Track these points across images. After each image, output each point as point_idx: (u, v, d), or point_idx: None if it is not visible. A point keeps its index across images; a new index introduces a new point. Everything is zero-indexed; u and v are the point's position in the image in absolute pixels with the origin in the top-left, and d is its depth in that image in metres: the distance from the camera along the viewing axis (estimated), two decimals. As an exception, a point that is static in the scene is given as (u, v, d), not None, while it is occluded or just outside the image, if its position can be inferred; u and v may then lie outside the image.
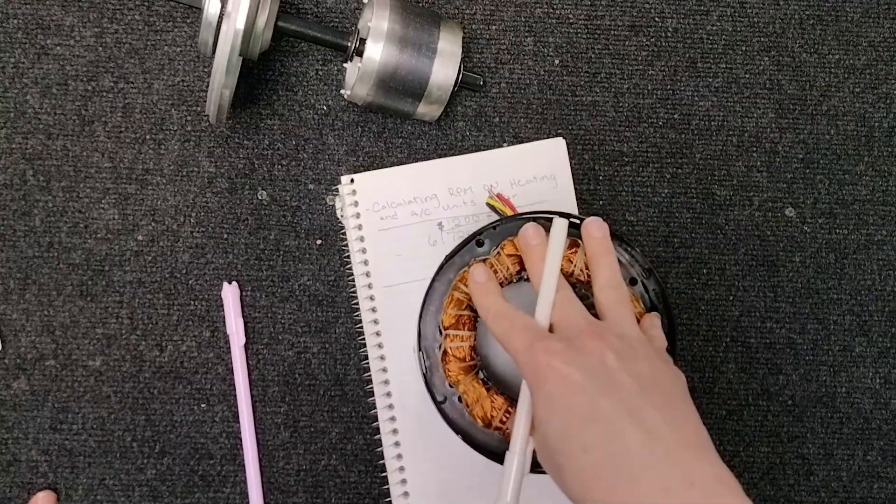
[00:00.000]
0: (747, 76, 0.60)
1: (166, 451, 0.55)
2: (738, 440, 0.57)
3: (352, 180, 0.55)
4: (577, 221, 0.49)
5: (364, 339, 0.54)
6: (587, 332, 0.41)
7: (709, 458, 0.38)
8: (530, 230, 0.46)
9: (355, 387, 0.56)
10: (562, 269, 0.46)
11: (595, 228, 0.46)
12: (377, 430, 0.54)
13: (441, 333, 0.47)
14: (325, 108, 0.58)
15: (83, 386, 0.55)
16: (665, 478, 0.36)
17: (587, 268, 0.46)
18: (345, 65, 0.58)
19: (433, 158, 0.57)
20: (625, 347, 0.40)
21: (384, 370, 0.54)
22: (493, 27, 0.59)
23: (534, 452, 0.42)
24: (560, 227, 0.46)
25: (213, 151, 0.57)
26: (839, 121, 0.60)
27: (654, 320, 0.46)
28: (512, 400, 0.47)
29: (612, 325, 0.42)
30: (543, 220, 0.48)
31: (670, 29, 0.60)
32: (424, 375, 0.47)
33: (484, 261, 0.48)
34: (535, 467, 0.42)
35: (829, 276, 0.59)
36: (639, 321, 0.46)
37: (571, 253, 0.47)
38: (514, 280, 0.49)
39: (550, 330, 0.43)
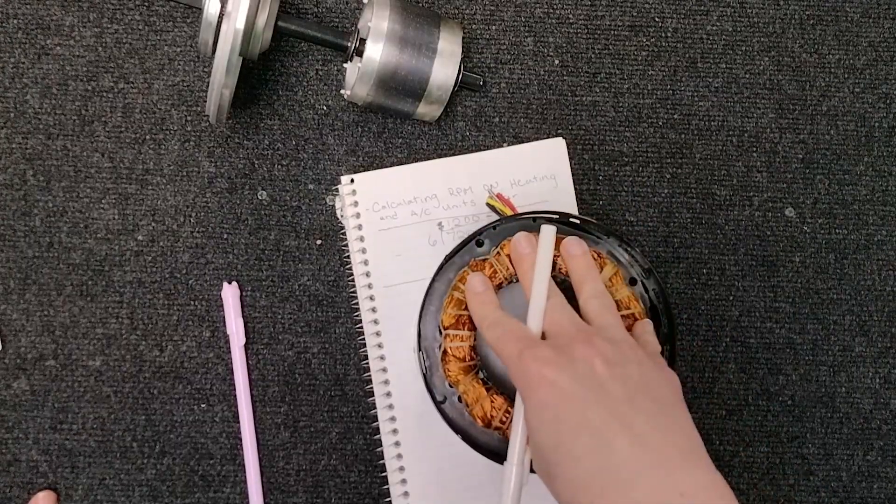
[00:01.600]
0: (747, 76, 0.60)
1: (166, 451, 0.55)
2: (738, 440, 0.57)
3: (352, 180, 0.55)
4: (577, 221, 0.49)
5: (364, 339, 0.55)
6: (577, 338, 0.41)
7: (700, 465, 0.37)
8: (522, 239, 0.46)
9: (355, 387, 0.56)
10: (554, 272, 0.46)
11: (574, 247, 0.46)
12: (377, 430, 0.54)
13: (441, 333, 0.47)
14: (325, 108, 0.58)
15: (83, 386, 0.55)
16: (655, 486, 0.36)
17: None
18: (345, 65, 0.58)
19: (433, 158, 0.57)
20: (614, 353, 0.40)
21: (384, 370, 0.54)
22: (493, 27, 0.59)
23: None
24: (548, 234, 0.46)
25: (213, 151, 0.57)
26: (839, 121, 0.60)
27: (646, 326, 0.46)
28: (511, 400, 0.47)
29: (601, 330, 0.42)
30: (544, 219, 0.48)
31: (670, 29, 0.60)
32: (424, 375, 0.47)
33: (484, 261, 0.48)
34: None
35: (829, 276, 0.58)
36: (635, 323, 0.47)
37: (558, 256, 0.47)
38: (515, 280, 0.49)
39: (543, 337, 0.43)
